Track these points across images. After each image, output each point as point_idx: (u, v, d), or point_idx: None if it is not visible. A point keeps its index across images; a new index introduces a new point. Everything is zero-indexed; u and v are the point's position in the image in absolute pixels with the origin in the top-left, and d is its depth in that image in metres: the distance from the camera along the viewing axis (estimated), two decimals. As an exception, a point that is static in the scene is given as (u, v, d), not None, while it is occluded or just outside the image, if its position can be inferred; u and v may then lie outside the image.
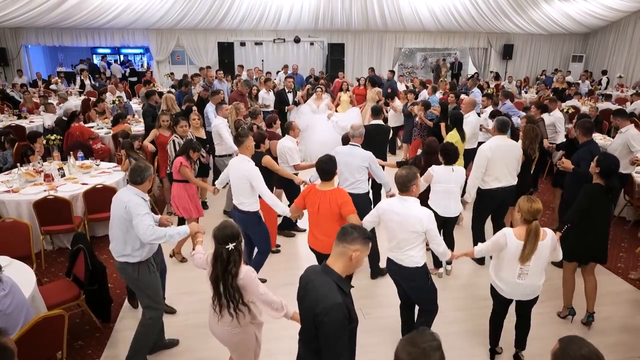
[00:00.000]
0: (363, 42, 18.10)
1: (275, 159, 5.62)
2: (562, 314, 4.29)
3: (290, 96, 9.69)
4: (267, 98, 9.84)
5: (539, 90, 14.03)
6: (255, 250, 4.66)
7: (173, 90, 11.19)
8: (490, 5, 15.88)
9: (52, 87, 14.07)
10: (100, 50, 18.56)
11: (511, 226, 4.38)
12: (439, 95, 10.65)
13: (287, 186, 5.73)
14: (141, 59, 19.54)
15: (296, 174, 5.51)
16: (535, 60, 19.43)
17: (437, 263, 4.96)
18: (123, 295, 4.58)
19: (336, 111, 9.96)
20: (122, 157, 6.42)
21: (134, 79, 16.33)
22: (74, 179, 5.92)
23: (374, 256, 4.89)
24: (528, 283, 3.30)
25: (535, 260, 3.21)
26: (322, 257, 3.79)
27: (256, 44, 17.34)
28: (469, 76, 18.36)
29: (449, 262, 4.98)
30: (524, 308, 3.53)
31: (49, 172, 5.86)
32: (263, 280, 4.48)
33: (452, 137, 5.91)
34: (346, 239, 2.24)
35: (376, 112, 6.38)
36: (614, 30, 17.40)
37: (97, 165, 6.48)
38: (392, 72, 13.20)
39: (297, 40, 16.91)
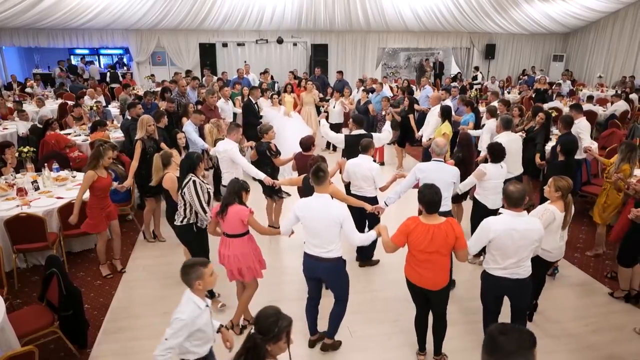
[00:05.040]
0: (346, 42, 18.00)
1: None
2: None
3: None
4: (225, 109, 8.72)
5: (521, 90, 14.14)
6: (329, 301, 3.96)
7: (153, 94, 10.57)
8: (472, 6, 15.92)
9: (28, 90, 13.66)
10: (78, 51, 18.11)
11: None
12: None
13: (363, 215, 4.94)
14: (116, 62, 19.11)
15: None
16: (517, 59, 19.60)
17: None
18: (100, 317, 4.42)
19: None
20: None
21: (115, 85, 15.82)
22: (49, 193, 5.71)
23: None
24: (564, 243, 4.14)
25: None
26: (422, 293, 3.55)
27: (238, 44, 17.10)
28: (452, 76, 18.45)
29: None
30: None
31: (22, 185, 5.63)
32: None
33: (446, 127, 6.87)
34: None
35: (358, 121, 6.22)
36: (593, 30, 17.65)
37: (74, 177, 6.26)
38: (341, 72, 12.95)
39: (279, 41, 16.73)
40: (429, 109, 8.46)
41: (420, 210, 3.44)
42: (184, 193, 4.29)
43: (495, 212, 4.76)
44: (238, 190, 3.90)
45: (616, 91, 12.91)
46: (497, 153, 4.91)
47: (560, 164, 5.13)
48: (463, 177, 4.95)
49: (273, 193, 5.92)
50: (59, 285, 3.69)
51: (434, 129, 7.45)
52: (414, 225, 3.38)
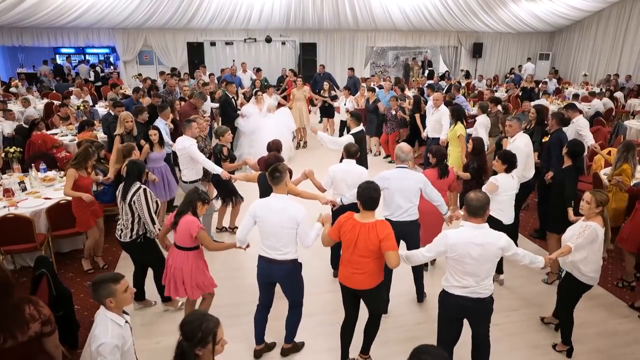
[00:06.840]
0: (335, 41, 18.05)
1: None
2: (549, 280, 5.05)
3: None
4: (204, 104, 8.72)
5: (508, 89, 14.29)
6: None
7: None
8: (459, 5, 16.08)
9: (12, 90, 13.47)
10: (63, 51, 17.89)
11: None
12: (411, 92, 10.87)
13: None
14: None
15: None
16: (504, 58, 19.83)
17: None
18: (91, 318, 4.33)
19: (290, 108, 9.95)
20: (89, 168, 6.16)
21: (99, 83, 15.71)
22: (36, 193, 5.64)
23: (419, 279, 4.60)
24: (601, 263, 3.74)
25: None
26: (352, 293, 3.46)
27: (227, 43, 17.04)
28: (440, 74, 18.58)
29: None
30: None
31: (9, 186, 5.57)
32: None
33: (461, 129, 6.62)
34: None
35: (358, 118, 6.26)
36: (578, 29, 17.93)
37: (61, 177, 6.20)
38: (352, 69, 13.18)
39: (268, 40, 16.72)
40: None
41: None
42: (134, 202, 3.98)
43: (511, 227, 4.61)
44: (193, 201, 3.66)
45: (601, 89, 13.11)
46: (511, 161, 4.50)
47: (572, 170, 4.70)
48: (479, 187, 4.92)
49: (227, 196, 5.97)
50: (48, 286, 3.67)
51: (447, 131, 7.18)
52: (344, 220, 3.27)
